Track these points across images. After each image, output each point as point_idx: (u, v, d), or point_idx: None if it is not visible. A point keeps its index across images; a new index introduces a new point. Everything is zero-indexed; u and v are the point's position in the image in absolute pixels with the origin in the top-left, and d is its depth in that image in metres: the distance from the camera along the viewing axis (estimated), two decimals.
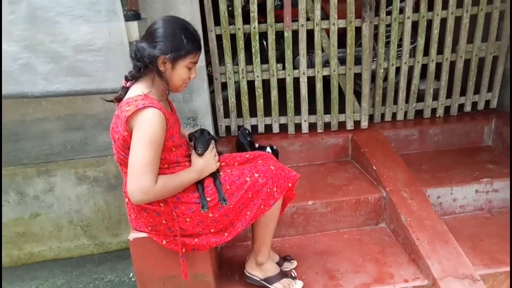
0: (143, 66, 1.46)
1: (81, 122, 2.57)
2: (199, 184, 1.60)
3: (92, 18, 2.09)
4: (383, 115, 3.01)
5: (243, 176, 1.62)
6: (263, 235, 1.75)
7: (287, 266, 2.01)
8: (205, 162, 1.60)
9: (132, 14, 2.18)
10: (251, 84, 2.81)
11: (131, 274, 2.52)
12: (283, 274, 1.88)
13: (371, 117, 2.99)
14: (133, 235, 1.71)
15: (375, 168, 2.48)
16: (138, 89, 1.47)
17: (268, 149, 2.13)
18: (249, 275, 1.88)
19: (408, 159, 2.70)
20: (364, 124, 2.91)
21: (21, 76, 2.12)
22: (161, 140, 1.43)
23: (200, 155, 1.61)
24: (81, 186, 2.66)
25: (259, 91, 2.80)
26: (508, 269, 1.95)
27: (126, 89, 1.53)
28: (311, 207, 2.32)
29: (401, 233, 2.15)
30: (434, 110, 3.04)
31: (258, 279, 1.86)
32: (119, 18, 2.10)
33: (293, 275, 1.94)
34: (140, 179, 1.37)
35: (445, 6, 2.78)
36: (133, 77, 1.51)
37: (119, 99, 1.55)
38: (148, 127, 1.37)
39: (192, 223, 1.58)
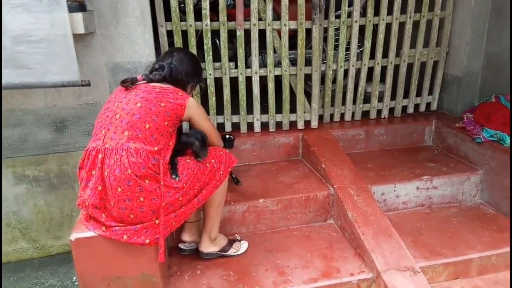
0: (171, 81, 1.86)
1: (20, 118, 2.42)
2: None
3: (33, 8, 1.99)
4: (332, 116, 3.09)
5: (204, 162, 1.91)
6: (215, 213, 2.00)
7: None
8: None
9: (77, 6, 2.10)
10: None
11: (74, 278, 2.41)
12: (231, 240, 2.18)
13: (320, 117, 3.07)
14: (75, 235, 1.63)
15: (323, 167, 2.54)
16: (167, 85, 1.84)
17: (228, 136, 2.36)
18: (206, 252, 2.08)
19: (355, 158, 2.79)
20: (314, 124, 2.97)
21: None
22: None
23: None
24: (20, 186, 2.50)
25: (211, 89, 2.78)
26: (446, 260, 2.07)
27: (136, 81, 1.81)
28: (262, 205, 2.33)
29: (348, 228, 2.22)
30: (379, 111, 3.17)
31: (215, 252, 2.09)
32: (62, 9, 2.02)
33: (238, 238, 2.23)
34: (217, 135, 2.03)
35: (390, 11, 2.91)
36: (151, 80, 1.83)
37: (127, 85, 1.80)
38: (201, 107, 1.93)
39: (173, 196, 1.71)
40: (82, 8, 2.11)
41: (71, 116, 2.48)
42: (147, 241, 1.63)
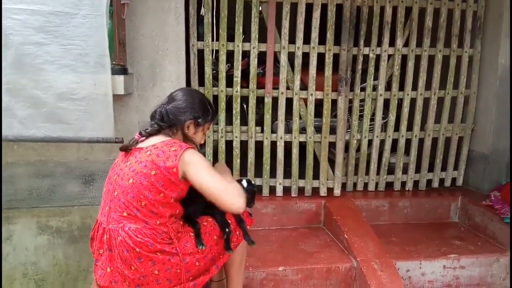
0: (166, 126, 1.64)
1: (51, 170, 2.50)
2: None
3: (79, 69, 2.13)
4: (355, 184, 3.08)
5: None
6: (237, 274, 1.89)
7: None
8: None
9: (119, 69, 2.25)
10: (229, 144, 2.85)
11: None
12: None
13: (343, 185, 3.05)
14: None
15: (346, 237, 2.48)
16: (163, 137, 1.62)
17: (244, 183, 1.81)
18: None
19: (379, 229, 2.72)
20: (337, 191, 2.96)
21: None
22: None
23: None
24: (42, 236, 2.52)
25: (236, 151, 2.84)
26: None
27: (135, 142, 1.63)
28: (282, 273, 2.27)
29: None
30: (403, 184, 3.14)
31: None
32: (106, 71, 2.16)
33: None
34: (230, 188, 1.55)
35: (415, 87, 2.99)
36: (149, 134, 1.64)
37: (125, 149, 1.66)
38: (203, 160, 1.58)
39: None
40: (124, 71, 2.26)
41: (100, 170, 2.55)
42: None
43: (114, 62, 2.23)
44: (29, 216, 2.50)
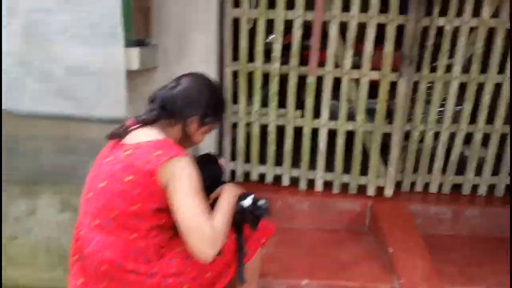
0: (165, 116, 1.32)
1: (74, 146, 2.38)
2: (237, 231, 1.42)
3: (90, 40, 1.91)
4: (412, 184, 2.59)
5: None
6: None
7: None
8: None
9: (136, 40, 1.99)
10: (264, 128, 2.51)
11: None
12: None
13: (398, 184, 2.59)
14: None
15: (391, 251, 2.07)
16: (154, 133, 1.30)
17: (247, 201, 1.39)
18: None
19: (435, 242, 2.27)
20: (389, 192, 2.51)
21: (9, 92, 1.97)
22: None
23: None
24: (64, 213, 2.44)
25: (271, 137, 2.50)
26: None
27: (126, 129, 1.31)
28: None
29: None
30: (475, 187, 2.58)
31: None
32: (119, 43, 1.91)
33: None
34: (205, 231, 1.20)
35: (501, 69, 2.37)
36: (145, 122, 1.32)
37: (114, 136, 1.33)
38: (190, 176, 1.23)
39: None
40: (140, 43, 2.00)
41: None
42: None
43: (130, 33, 1.98)
44: (52, 193, 2.43)
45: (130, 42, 1.96)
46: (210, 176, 1.42)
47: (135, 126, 1.32)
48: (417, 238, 2.17)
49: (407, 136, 2.51)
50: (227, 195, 1.38)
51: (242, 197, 1.40)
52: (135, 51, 1.95)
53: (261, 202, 1.39)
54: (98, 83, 1.95)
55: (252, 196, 1.40)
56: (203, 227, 1.20)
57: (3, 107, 2.00)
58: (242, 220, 1.39)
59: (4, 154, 2.37)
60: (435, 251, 2.14)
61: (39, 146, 2.37)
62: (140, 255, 1.26)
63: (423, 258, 2.04)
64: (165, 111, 1.33)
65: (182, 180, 1.21)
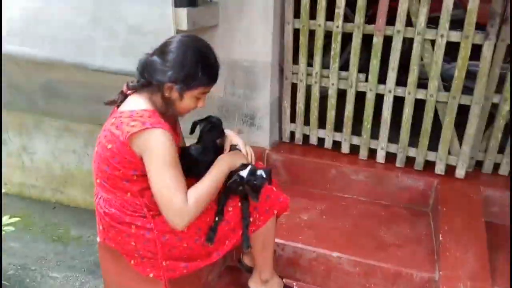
0: (146, 83, 1.34)
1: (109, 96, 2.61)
2: (223, 195, 1.46)
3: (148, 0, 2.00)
4: (496, 166, 2.21)
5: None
6: (262, 258, 1.67)
7: None
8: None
9: (186, 0, 2.01)
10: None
11: None
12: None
13: (479, 164, 2.24)
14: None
15: (441, 239, 1.85)
16: (141, 102, 1.34)
17: (245, 172, 1.38)
18: None
19: (505, 235, 1.94)
20: (461, 172, 2.19)
21: (83, 48, 2.22)
22: (177, 157, 1.31)
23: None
24: None
25: (332, 102, 2.36)
26: None
27: (124, 95, 1.40)
28: (336, 260, 1.89)
29: None
30: None
31: None
32: (169, 3, 1.97)
33: None
34: (175, 204, 1.27)
35: None
36: (133, 89, 1.38)
37: (112, 103, 1.43)
38: (162, 149, 1.26)
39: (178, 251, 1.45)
40: (189, 2, 2.01)
41: None
42: (151, 275, 1.48)
43: None
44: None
45: (178, 2, 1.99)
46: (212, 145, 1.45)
47: (129, 92, 1.38)
48: (478, 230, 1.88)
49: (494, 109, 2.11)
50: (218, 165, 1.39)
51: (242, 167, 1.39)
52: (183, 11, 1.98)
53: (259, 172, 1.36)
54: (153, 42, 2.06)
55: (251, 167, 1.38)
56: (173, 200, 1.26)
57: (78, 62, 2.25)
58: (240, 190, 1.39)
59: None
60: (504, 248, 1.85)
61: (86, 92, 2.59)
62: (138, 210, 1.38)
63: (478, 253, 1.77)
64: (143, 78, 1.34)
65: (154, 152, 1.25)
